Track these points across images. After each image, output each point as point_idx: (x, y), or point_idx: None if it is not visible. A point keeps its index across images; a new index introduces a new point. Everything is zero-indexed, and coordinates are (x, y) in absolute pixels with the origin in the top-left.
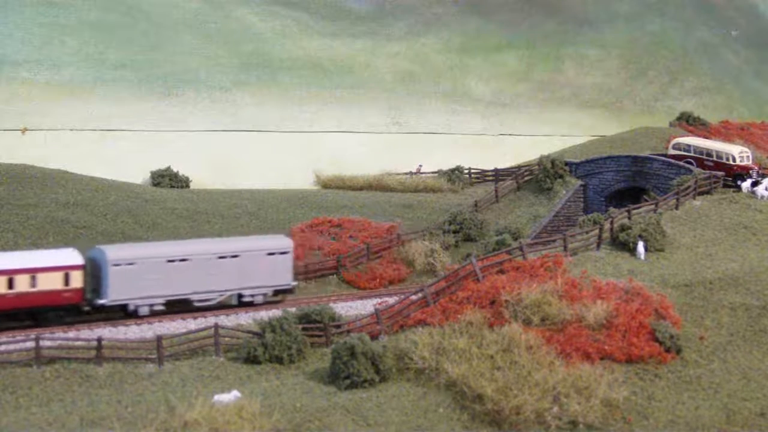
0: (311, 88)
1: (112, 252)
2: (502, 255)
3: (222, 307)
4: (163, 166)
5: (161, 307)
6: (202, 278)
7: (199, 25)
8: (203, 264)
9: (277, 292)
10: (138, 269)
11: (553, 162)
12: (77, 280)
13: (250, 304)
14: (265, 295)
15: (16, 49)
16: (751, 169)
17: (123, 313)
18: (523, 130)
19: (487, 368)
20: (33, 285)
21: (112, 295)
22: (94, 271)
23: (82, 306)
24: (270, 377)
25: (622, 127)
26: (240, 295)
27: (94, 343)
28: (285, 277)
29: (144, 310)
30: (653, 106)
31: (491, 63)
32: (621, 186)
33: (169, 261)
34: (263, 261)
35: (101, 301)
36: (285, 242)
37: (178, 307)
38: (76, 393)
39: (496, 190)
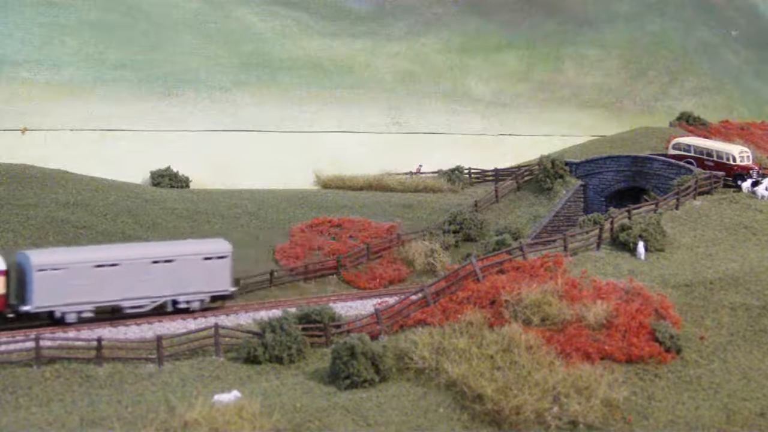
0: (311, 88)
1: (37, 257)
2: (502, 255)
3: (158, 313)
4: (163, 166)
5: (90, 315)
6: (133, 284)
7: (199, 25)
8: (135, 269)
9: (214, 299)
10: (64, 275)
11: (553, 162)
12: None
13: (186, 311)
14: (201, 301)
15: (16, 49)
16: (752, 169)
17: (50, 320)
18: (523, 130)
19: (487, 368)
20: None
21: (36, 302)
22: (19, 277)
23: (5, 313)
24: (270, 377)
25: (622, 127)
26: (175, 302)
27: (94, 343)
28: (223, 283)
29: (71, 318)
30: (653, 106)
31: (491, 63)
32: (621, 186)
33: (98, 266)
34: (199, 266)
35: (25, 308)
36: (223, 246)
37: (109, 314)
38: (76, 393)
39: (496, 190)
